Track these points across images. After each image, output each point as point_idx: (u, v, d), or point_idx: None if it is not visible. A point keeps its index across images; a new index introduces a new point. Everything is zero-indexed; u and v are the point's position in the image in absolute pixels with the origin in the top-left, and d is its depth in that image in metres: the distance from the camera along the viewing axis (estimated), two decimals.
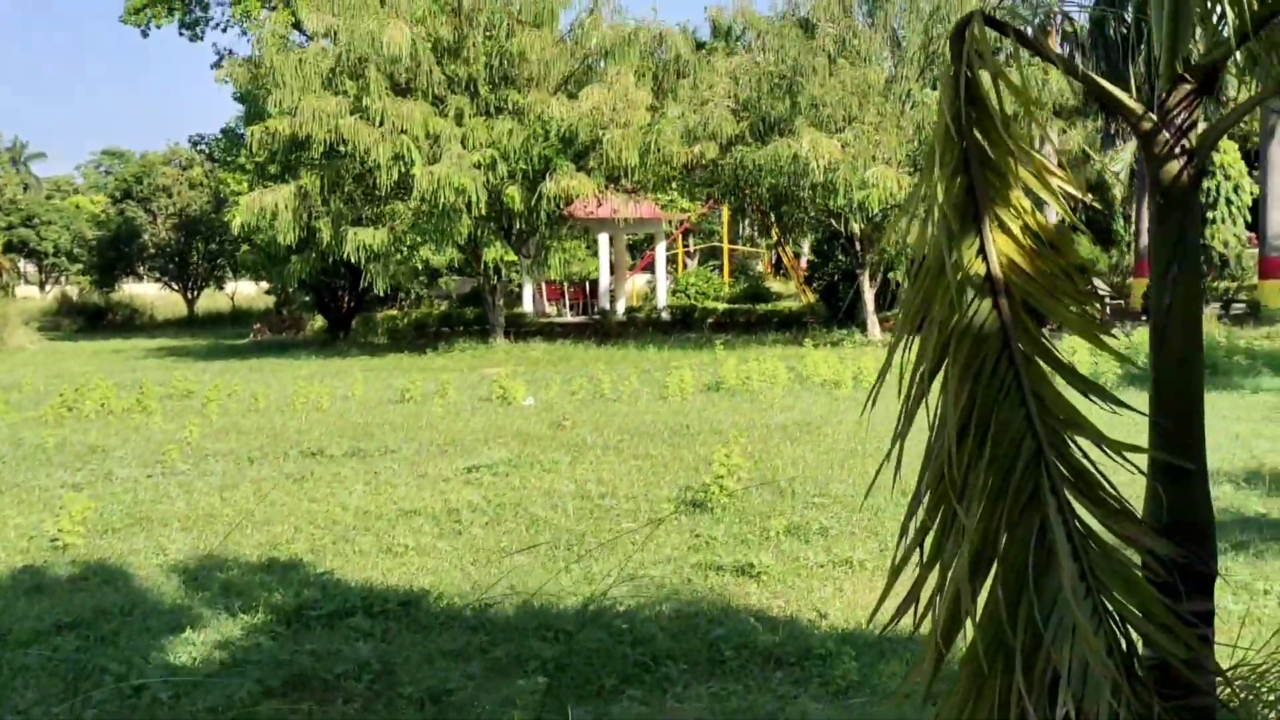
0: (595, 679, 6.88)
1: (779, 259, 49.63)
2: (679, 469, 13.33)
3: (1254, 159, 40.77)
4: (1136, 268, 38.37)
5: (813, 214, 32.09)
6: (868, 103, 29.84)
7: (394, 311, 43.08)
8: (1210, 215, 41.68)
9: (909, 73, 30.94)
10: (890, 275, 31.98)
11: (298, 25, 33.83)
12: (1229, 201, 41.50)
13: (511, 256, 31.42)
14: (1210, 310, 32.25)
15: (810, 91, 29.86)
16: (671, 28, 33.09)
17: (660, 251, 41.97)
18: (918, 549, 3.89)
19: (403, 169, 29.13)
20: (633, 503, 11.67)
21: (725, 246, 51.89)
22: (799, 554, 9.57)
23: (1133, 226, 42.85)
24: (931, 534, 3.86)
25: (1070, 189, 3.94)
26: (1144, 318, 33.83)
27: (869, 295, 32.27)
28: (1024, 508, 3.72)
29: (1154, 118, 3.87)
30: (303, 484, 13.20)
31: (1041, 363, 3.87)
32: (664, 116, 30.65)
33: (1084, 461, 3.81)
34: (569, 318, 41.26)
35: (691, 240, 60.72)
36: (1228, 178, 41.38)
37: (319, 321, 42.66)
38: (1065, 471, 3.75)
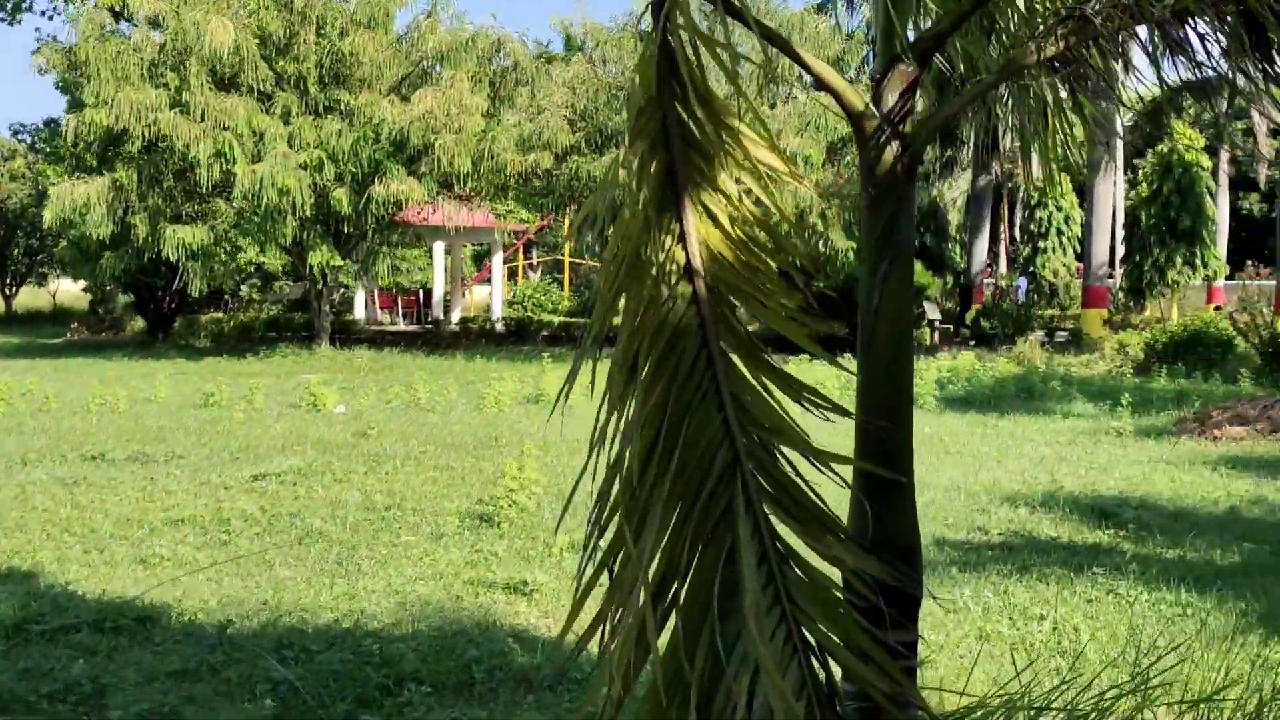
0: (329, 703, 6.36)
1: None
2: (477, 481, 12.85)
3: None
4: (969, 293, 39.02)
5: None
6: None
7: (220, 315, 41.74)
8: (1041, 245, 42.63)
9: (748, 88, 30.91)
10: None
11: (119, 14, 32.43)
12: (1060, 232, 42.47)
13: (338, 261, 30.53)
14: (1035, 337, 32.82)
15: None
16: (511, 35, 32.65)
17: (497, 262, 41.38)
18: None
19: (224, 166, 28.12)
20: (419, 515, 11.15)
21: (567, 259, 51.51)
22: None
23: (968, 253, 43.62)
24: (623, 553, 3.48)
25: (783, 170, 3.61)
26: (973, 342, 34.38)
27: None
28: (716, 524, 3.34)
29: (870, 101, 3.56)
30: (72, 489, 12.38)
31: (744, 365, 3.52)
32: (499, 124, 30.14)
33: (790, 474, 3.45)
34: (402, 326, 40.46)
35: (535, 252, 60.23)
36: (1059, 209, 42.36)
37: (140, 323, 41.12)
38: (765, 484, 3.39)
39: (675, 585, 3.28)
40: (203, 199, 30.15)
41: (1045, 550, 10.10)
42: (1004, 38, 3.88)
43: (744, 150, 3.54)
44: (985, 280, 41.74)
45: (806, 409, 3.47)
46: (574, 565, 9.29)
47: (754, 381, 3.46)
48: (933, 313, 35.83)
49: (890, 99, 3.46)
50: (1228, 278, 39.75)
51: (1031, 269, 42.26)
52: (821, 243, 31.21)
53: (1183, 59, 3.85)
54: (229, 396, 20.52)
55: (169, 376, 24.51)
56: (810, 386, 3.48)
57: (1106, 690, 4.77)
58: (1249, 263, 42.94)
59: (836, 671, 3.39)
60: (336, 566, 9.30)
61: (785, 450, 3.46)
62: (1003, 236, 50.94)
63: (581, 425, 12.83)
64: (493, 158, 29.33)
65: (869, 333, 3.49)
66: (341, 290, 38.53)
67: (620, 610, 3.35)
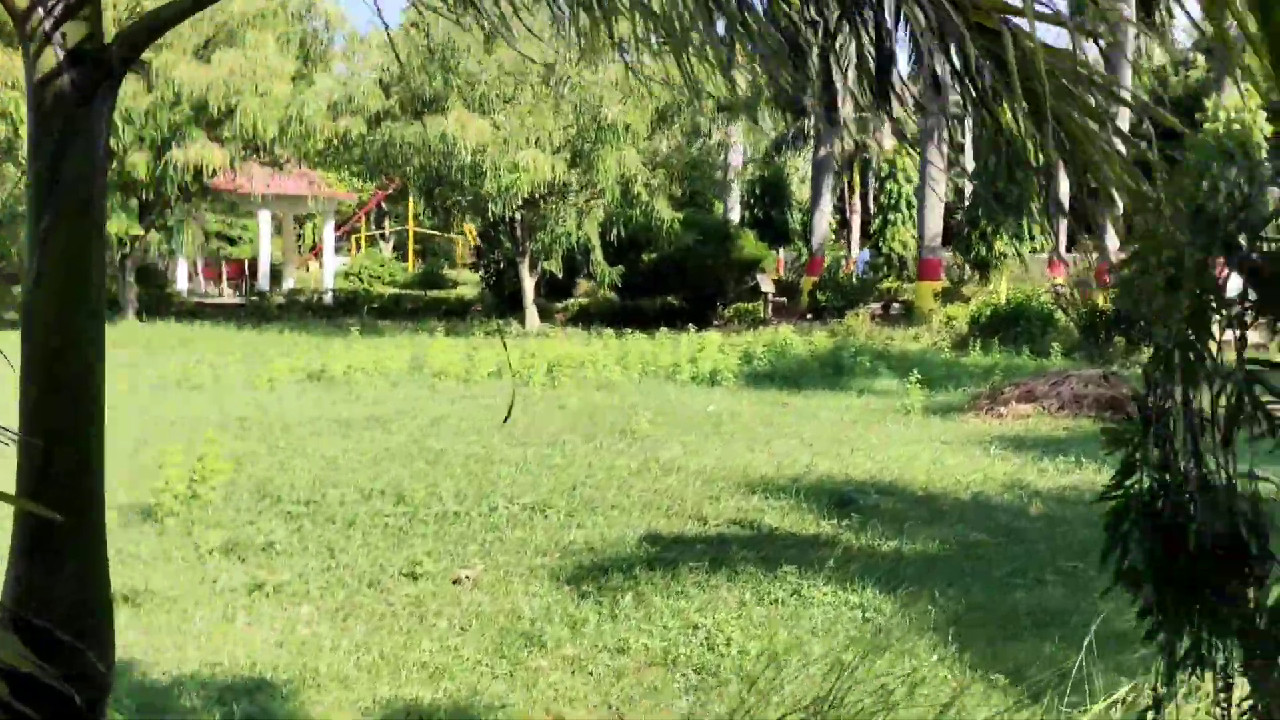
0: None
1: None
2: (172, 470, 11.65)
3: None
4: (809, 266, 38.45)
5: (470, 197, 30.64)
6: (525, 84, 28.71)
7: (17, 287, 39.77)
8: (891, 218, 42.18)
9: (570, 55, 29.89)
10: (545, 265, 31.18)
11: None
12: (909, 204, 42.02)
13: (137, 229, 28.96)
14: (868, 310, 32.34)
15: (465, 69, 28.54)
16: None
17: (328, 232, 39.99)
18: None
19: (9, 128, 26.45)
20: None
21: (411, 229, 50.19)
22: (218, 575, 8.20)
23: (812, 223, 43.16)
24: None
25: None
26: (809, 316, 33.75)
27: (528, 284, 31.22)
28: None
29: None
30: None
31: None
32: (310, 87, 28.81)
33: None
34: (227, 298, 38.90)
35: (388, 223, 58.83)
36: (909, 180, 41.93)
37: None
38: None
39: None
40: None
41: (757, 544, 9.32)
42: None
43: None
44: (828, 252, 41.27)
45: None
46: (217, 568, 8.38)
47: None
48: (765, 285, 35.24)
49: None
50: (1067, 250, 39.65)
51: (879, 241, 41.85)
52: (648, 213, 30.44)
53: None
54: None
55: None
56: None
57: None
58: (1083, 236, 42.95)
59: None
60: None
61: None
62: (855, 208, 50.60)
63: (356, 406, 11.54)
64: (301, 122, 27.98)
65: (29, 313, 2.54)
66: (166, 260, 36.96)
67: None
